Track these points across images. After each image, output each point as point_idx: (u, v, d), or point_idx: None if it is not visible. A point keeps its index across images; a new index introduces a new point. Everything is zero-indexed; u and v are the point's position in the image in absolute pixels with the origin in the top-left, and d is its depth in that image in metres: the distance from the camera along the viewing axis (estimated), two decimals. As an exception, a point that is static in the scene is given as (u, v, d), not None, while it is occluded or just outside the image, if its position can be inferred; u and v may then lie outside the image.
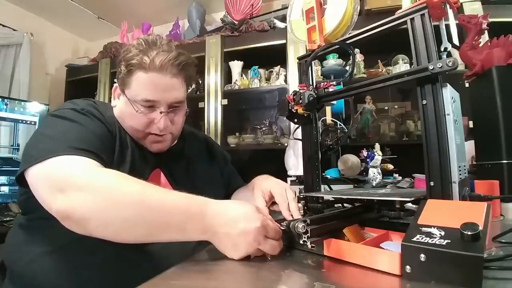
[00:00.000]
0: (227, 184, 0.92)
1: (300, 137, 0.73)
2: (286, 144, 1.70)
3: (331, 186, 0.87)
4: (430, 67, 0.46)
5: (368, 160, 1.22)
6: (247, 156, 2.12)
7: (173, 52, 0.67)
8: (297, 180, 1.41)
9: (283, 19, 2.11)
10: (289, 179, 1.49)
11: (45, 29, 2.73)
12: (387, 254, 0.39)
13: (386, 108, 2.02)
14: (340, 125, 1.24)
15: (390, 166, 1.37)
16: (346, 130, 1.06)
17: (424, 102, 0.48)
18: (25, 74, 2.44)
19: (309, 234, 0.44)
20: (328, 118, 1.32)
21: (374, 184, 1.18)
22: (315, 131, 0.69)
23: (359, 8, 0.65)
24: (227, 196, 0.91)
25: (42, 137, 0.58)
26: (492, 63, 0.91)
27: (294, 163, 1.44)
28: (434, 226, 0.37)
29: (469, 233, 0.33)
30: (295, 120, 0.70)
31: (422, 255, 0.34)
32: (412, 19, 0.50)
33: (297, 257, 0.46)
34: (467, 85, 1.03)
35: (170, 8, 2.60)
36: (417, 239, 0.36)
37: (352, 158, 1.30)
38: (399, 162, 1.40)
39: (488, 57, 0.92)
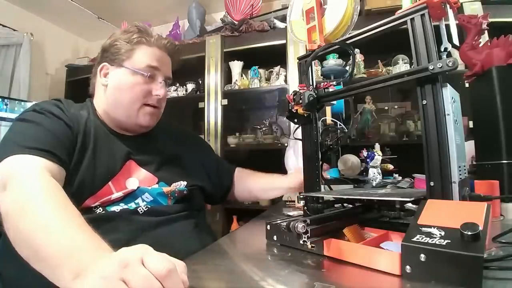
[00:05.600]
0: (214, 168, 0.93)
1: (300, 137, 0.72)
2: (286, 144, 1.70)
3: (331, 186, 0.87)
4: (430, 67, 0.46)
5: (368, 160, 1.21)
6: (247, 156, 2.12)
7: (167, 38, 0.82)
8: (297, 180, 1.41)
9: (283, 19, 2.11)
10: (289, 179, 1.49)
11: (45, 29, 2.73)
12: (387, 254, 0.39)
13: (386, 108, 2.02)
14: (340, 125, 1.24)
15: (390, 166, 1.37)
16: (346, 130, 1.06)
17: (424, 102, 0.48)
18: (25, 74, 2.44)
19: (309, 234, 0.44)
20: (328, 118, 1.32)
21: (374, 184, 1.18)
22: (315, 131, 0.69)
23: (359, 8, 0.65)
24: (226, 181, 0.94)
25: (2, 141, 0.62)
26: (492, 63, 0.91)
27: (294, 163, 1.43)
28: (434, 226, 0.37)
29: (469, 233, 0.33)
30: (295, 120, 0.70)
31: (422, 255, 0.34)
32: (412, 19, 0.50)
33: (297, 257, 0.46)
34: (467, 85, 1.03)
35: (170, 8, 2.60)
36: (417, 239, 0.36)
37: (352, 158, 1.30)
38: (399, 162, 1.40)
39: (488, 57, 0.92)
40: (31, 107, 0.68)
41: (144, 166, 0.75)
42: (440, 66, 0.45)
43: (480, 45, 0.98)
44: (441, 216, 0.39)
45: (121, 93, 0.74)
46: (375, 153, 1.19)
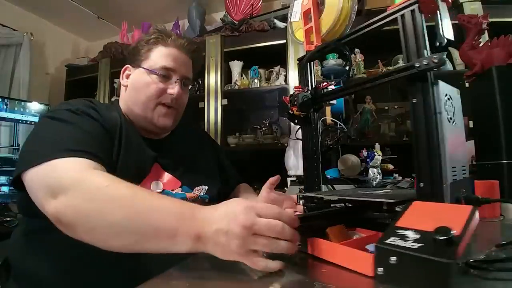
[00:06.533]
0: (224, 176, 0.92)
1: (301, 137, 0.73)
2: (286, 144, 1.70)
3: (330, 186, 0.88)
4: (417, 64, 0.44)
5: (368, 160, 1.22)
6: (247, 156, 2.12)
7: (187, 38, 0.82)
8: (297, 180, 1.41)
9: (283, 19, 2.11)
10: (289, 179, 1.49)
11: (45, 29, 2.73)
12: (361, 255, 0.39)
13: (386, 108, 2.02)
14: (340, 125, 1.24)
15: (390, 166, 1.37)
16: (346, 130, 1.06)
17: (414, 100, 0.46)
18: (25, 74, 2.45)
19: None
20: (328, 118, 1.32)
21: (374, 184, 1.18)
22: (315, 131, 0.69)
23: (356, 6, 0.64)
24: (227, 192, 0.91)
25: (37, 139, 0.59)
26: (492, 63, 0.91)
27: (294, 163, 1.44)
28: (411, 229, 0.36)
29: (440, 237, 0.32)
30: (296, 120, 0.70)
31: (393, 258, 0.33)
32: (402, 15, 0.48)
33: (286, 254, 0.47)
34: (467, 85, 1.03)
35: (170, 8, 2.60)
36: (391, 241, 0.35)
37: (352, 158, 1.30)
38: (399, 162, 1.40)
39: (488, 57, 0.92)
40: (64, 106, 0.64)
41: (168, 169, 0.75)
42: (426, 63, 0.43)
43: (480, 45, 0.98)
44: (422, 219, 0.37)
45: (137, 92, 0.75)
46: (375, 153, 1.20)
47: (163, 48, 0.76)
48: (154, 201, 0.45)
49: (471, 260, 0.36)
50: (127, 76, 0.79)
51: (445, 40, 0.48)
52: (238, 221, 0.39)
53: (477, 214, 0.36)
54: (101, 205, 0.45)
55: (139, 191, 0.48)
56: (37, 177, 0.51)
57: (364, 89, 0.55)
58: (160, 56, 0.75)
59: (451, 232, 0.32)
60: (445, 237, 0.31)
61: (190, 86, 0.85)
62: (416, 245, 0.33)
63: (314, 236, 0.46)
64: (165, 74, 0.75)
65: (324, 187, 0.72)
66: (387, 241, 0.35)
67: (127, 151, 0.68)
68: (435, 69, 0.44)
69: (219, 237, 0.39)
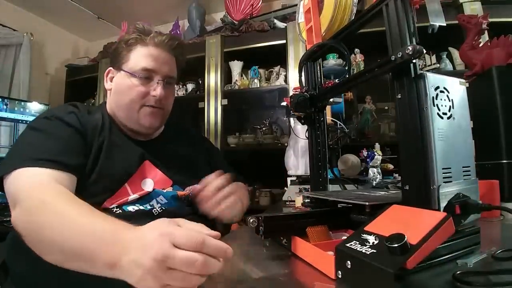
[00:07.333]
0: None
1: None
2: (286, 144, 1.70)
3: (330, 186, 0.87)
4: (392, 58, 0.42)
5: (368, 160, 1.21)
6: (247, 156, 2.12)
7: (167, 34, 0.77)
8: (297, 180, 1.41)
9: (283, 19, 2.11)
10: (289, 179, 1.49)
11: (45, 29, 2.73)
12: (325, 257, 0.39)
13: (386, 108, 2.02)
14: (340, 125, 1.24)
15: (390, 166, 1.37)
16: (347, 130, 1.06)
17: (399, 96, 0.43)
18: (25, 74, 2.44)
19: (263, 229, 0.46)
20: (328, 118, 1.32)
21: (374, 184, 1.18)
22: (318, 131, 0.69)
23: (357, 2, 0.63)
24: None
25: (13, 149, 0.63)
26: (492, 63, 0.91)
27: (294, 163, 1.43)
28: (374, 234, 0.35)
29: (391, 245, 0.30)
30: (303, 121, 0.70)
31: (349, 262, 0.33)
32: (386, 5, 0.45)
33: (275, 250, 0.50)
34: (467, 85, 1.03)
35: (170, 8, 2.60)
36: (350, 245, 0.35)
37: (352, 158, 1.30)
38: (399, 162, 1.40)
39: (488, 57, 0.92)
40: (44, 114, 0.67)
41: (159, 167, 0.75)
42: (400, 56, 0.40)
43: (480, 45, 0.98)
44: (391, 224, 0.36)
45: (120, 96, 0.74)
46: (375, 153, 1.20)
47: (142, 48, 0.73)
48: (84, 221, 0.44)
49: (458, 273, 0.33)
50: (111, 79, 0.78)
51: (436, 25, 0.45)
52: (149, 254, 0.33)
53: (450, 223, 0.33)
54: (40, 221, 0.46)
55: (76, 210, 0.46)
56: (7, 187, 0.55)
57: (350, 87, 0.54)
58: (139, 57, 0.72)
59: (405, 240, 0.30)
60: (395, 245, 0.30)
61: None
62: (369, 251, 0.32)
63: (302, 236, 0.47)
64: (146, 76, 0.72)
65: (331, 187, 0.72)
66: (347, 245, 0.35)
67: (108, 152, 0.68)
68: (413, 60, 0.41)
69: (134, 269, 0.35)
